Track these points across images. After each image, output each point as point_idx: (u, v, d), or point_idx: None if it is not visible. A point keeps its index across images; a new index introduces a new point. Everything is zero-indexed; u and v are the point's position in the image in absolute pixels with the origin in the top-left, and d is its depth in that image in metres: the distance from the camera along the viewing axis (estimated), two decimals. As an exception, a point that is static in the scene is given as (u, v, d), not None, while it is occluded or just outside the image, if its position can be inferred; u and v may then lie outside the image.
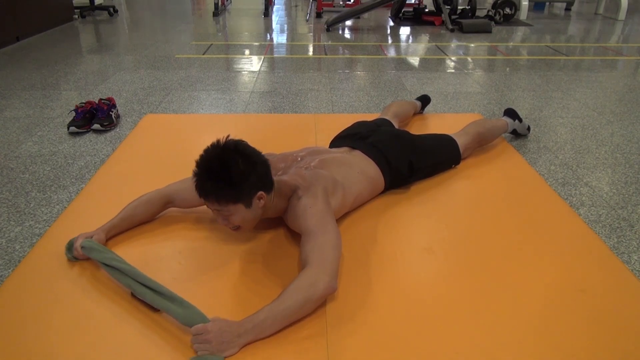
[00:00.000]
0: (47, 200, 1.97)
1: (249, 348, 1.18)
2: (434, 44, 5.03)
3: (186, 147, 2.29)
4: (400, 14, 6.29)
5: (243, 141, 1.41)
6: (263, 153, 1.46)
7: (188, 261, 1.50)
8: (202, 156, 1.36)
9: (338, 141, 1.98)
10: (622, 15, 6.35)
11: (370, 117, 2.29)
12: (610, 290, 1.39)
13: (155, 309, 1.29)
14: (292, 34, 5.62)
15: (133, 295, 1.34)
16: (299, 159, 1.69)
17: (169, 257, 1.52)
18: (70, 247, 1.49)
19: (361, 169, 1.74)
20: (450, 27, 5.66)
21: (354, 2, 6.88)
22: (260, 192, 1.40)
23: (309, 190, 1.49)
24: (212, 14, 6.61)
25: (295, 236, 1.60)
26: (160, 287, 1.29)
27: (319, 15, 6.61)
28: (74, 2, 6.06)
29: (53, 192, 2.03)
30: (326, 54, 4.58)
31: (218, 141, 1.37)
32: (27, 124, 2.75)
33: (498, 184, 1.99)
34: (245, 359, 1.16)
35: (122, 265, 1.37)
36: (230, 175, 1.33)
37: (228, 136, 1.39)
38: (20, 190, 2.04)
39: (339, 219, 1.67)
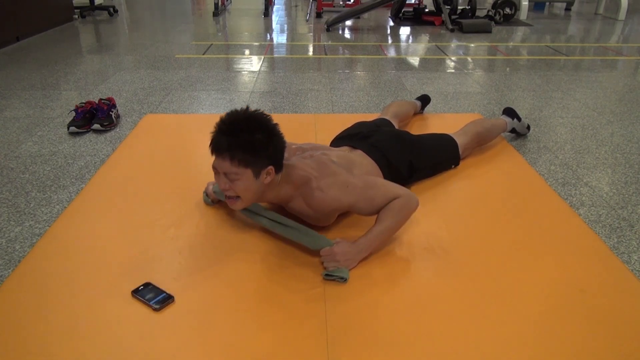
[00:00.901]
0: (47, 200, 1.97)
1: (250, 346, 1.19)
2: (434, 44, 5.03)
3: (186, 147, 2.29)
4: (400, 14, 6.29)
5: (269, 116, 1.46)
6: None
7: (188, 261, 1.50)
8: (228, 114, 1.42)
9: (338, 141, 1.98)
10: (622, 15, 6.35)
11: (370, 117, 2.29)
12: (610, 290, 1.39)
13: (158, 308, 1.29)
14: (292, 34, 5.62)
15: (133, 294, 1.34)
16: (301, 151, 1.70)
17: (169, 257, 1.52)
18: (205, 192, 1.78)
19: (362, 168, 1.74)
20: (450, 27, 5.66)
21: (354, 2, 6.88)
22: (270, 167, 1.43)
23: (324, 177, 1.51)
24: (212, 14, 6.61)
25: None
26: (288, 221, 1.54)
27: (319, 15, 6.61)
28: (74, 2, 6.05)
29: (53, 192, 2.03)
30: (326, 54, 4.58)
31: (247, 107, 1.44)
32: (27, 124, 2.75)
33: (498, 184, 1.99)
34: (247, 358, 1.16)
35: (255, 209, 1.60)
36: (253, 138, 1.38)
37: (258, 109, 1.45)
38: (20, 190, 2.04)
39: (339, 219, 1.67)
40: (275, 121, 1.46)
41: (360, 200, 1.51)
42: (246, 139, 1.37)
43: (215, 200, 1.77)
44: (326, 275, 1.41)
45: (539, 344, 1.21)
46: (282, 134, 1.48)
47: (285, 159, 1.56)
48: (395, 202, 1.49)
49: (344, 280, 1.39)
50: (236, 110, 1.43)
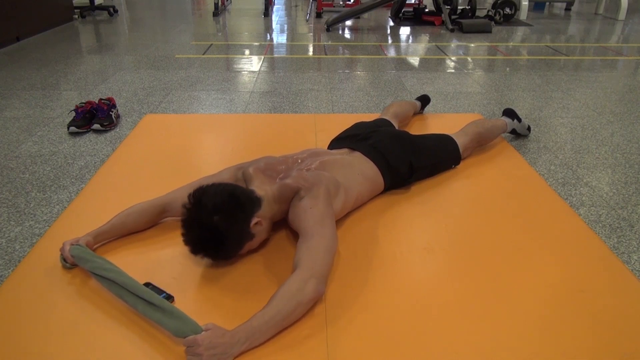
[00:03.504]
0: (47, 200, 1.97)
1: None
2: (434, 44, 5.03)
3: (186, 147, 2.29)
4: (400, 14, 6.29)
5: (212, 186, 1.38)
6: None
7: (188, 261, 1.50)
8: (183, 233, 1.36)
9: (338, 142, 1.98)
10: (622, 15, 6.35)
11: (370, 117, 2.29)
12: (610, 290, 1.39)
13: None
14: (292, 34, 5.62)
15: (132, 295, 1.32)
16: (300, 161, 1.69)
17: (169, 257, 1.52)
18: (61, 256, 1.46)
19: (361, 170, 1.74)
20: (450, 27, 5.66)
21: (354, 2, 6.88)
22: (255, 220, 1.40)
23: (310, 190, 1.49)
24: (212, 14, 6.61)
25: (296, 238, 1.60)
26: (151, 296, 1.25)
27: (319, 15, 6.61)
28: (74, 2, 6.06)
29: (53, 192, 2.03)
30: (326, 54, 4.58)
31: (191, 203, 1.35)
32: (27, 124, 2.75)
33: (498, 184, 1.99)
34: (245, 358, 1.16)
35: (112, 275, 1.32)
36: (217, 233, 1.33)
37: (202, 187, 1.37)
38: (20, 190, 2.04)
39: (339, 220, 1.67)
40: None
41: (303, 232, 1.39)
42: (212, 237, 1.33)
43: (74, 264, 1.44)
44: None
45: (539, 344, 1.21)
46: (230, 184, 1.43)
47: (282, 171, 1.57)
48: (296, 280, 1.25)
49: None
50: (185, 207, 1.35)
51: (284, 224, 1.64)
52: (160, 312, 1.21)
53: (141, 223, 1.61)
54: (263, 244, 1.57)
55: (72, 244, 1.43)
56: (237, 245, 1.40)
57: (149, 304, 1.24)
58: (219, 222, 1.33)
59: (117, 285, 1.31)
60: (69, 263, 1.43)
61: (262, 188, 1.51)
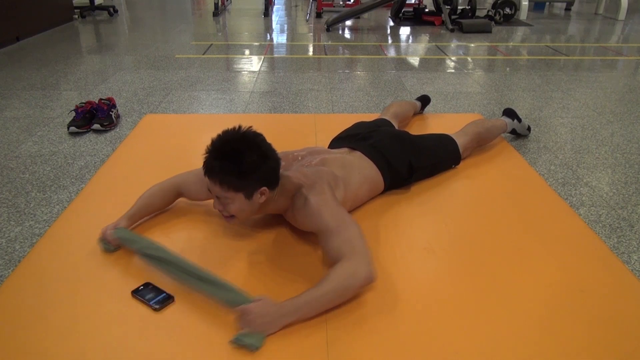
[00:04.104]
0: (47, 200, 1.97)
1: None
2: (434, 44, 5.03)
3: (186, 147, 2.29)
4: (400, 14, 6.29)
5: (261, 135, 1.42)
6: None
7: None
8: (219, 136, 1.38)
9: (337, 142, 1.98)
10: (622, 15, 6.35)
11: (370, 117, 2.29)
12: (610, 290, 1.39)
13: (158, 308, 1.29)
14: (292, 34, 5.62)
15: (133, 294, 1.34)
16: (300, 158, 1.69)
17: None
18: (103, 240, 1.53)
19: (361, 170, 1.74)
20: (450, 27, 5.66)
21: (354, 2, 6.88)
22: (264, 188, 1.40)
23: (313, 188, 1.48)
24: (212, 14, 6.61)
25: (297, 235, 1.60)
26: (201, 272, 1.34)
27: (319, 15, 6.61)
28: (74, 2, 6.06)
29: (53, 192, 2.03)
30: (326, 54, 4.58)
31: (239, 127, 1.39)
32: (27, 124, 2.75)
33: (498, 184, 1.99)
34: (246, 358, 1.16)
35: (161, 254, 1.42)
36: (241, 162, 1.34)
37: (250, 127, 1.41)
38: (20, 190, 2.04)
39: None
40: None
41: (326, 229, 1.39)
42: (236, 163, 1.34)
43: (117, 247, 1.51)
44: (235, 339, 1.18)
45: (539, 344, 1.21)
46: (275, 152, 1.44)
47: (282, 167, 1.57)
48: (348, 266, 1.29)
49: (254, 348, 1.17)
50: (228, 131, 1.38)
51: (283, 222, 1.64)
52: (213, 286, 1.31)
53: (164, 202, 1.70)
54: (262, 243, 1.57)
55: (114, 228, 1.51)
56: (244, 176, 1.36)
57: (200, 279, 1.33)
58: (247, 152, 1.35)
59: (167, 263, 1.39)
60: (113, 246, 1.51)
61: None
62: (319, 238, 1.42)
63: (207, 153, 1.37)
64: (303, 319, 1.24)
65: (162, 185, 1.69)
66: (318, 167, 1.61)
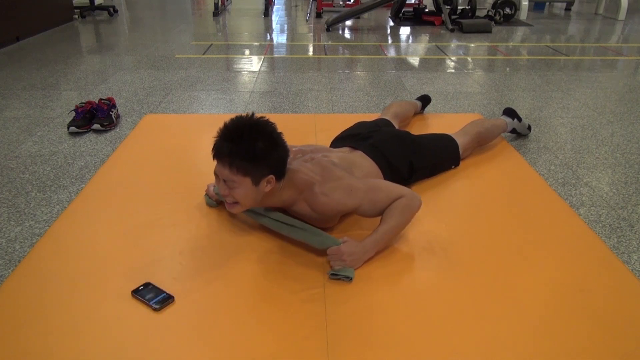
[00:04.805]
0: (47, 200, 1.97)
1: (250, 347, 1.19)
2: (434, 44, 5.03)
3: (186, 147, 2.29)
4: (400, 14, 6.29)
5: (274, 123, 1.44)
6: None
7: (188, 261, 1.50)
8: (232, 120, 1.40)
9: (338, 142, 1.98)
10: (622, 15, 6.35)
11: (370, 117, 2.29)
12: (610, 290, 1.39)
13: (158, 308, 1.29)
14: (292, 34, 5.62)
15: (133, 294, 1.34)
16: (301, 154, 1.69)
17: (170, 258, 1.52)
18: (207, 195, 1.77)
19: (362, 169, 1.74)
20: (450, 27, 5.66)
21: (354, 2, 6.88)
22: (271, 176, 1.42)
23: (327, 181, 1.50)
24: (212, 14, 6.61)
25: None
26: (293, 221, 1.53)
27: (319, 15, 6.61)
28: (74, 2, 6.06)
29: (53, 192, 2.03)
30: (326, 54, 4.58)
31: (252, 113, 1.42)
32: (27, 124, 2.75)
33: (498, 184, 1.99)
34: (247, 358, 1.16)
35: (257, 210, 1.58)
36: (253, 146, 1.36)
37: (263, 116, 1.43)
38: (20, 190, 2.04)
39: (339, 219, 1.67)
40: (278, 126, 1.44)
41: (364, 203, 1.50)
42: (247, 147, 1.36)
43: (218, 201, 1.75)
44: (332, 274, 1.41)
45: (539, 344, 1.21)
46: (285, 142, 1.46)
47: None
48: (399, 202, 1.49)
49: (349, 279, 1.40)
50: (241, 117, 1.41)
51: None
52: (305, 232, 1.50)
53: None
54: (261, 243, 1.57)
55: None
56: (253, 160, 1.37)
57: (292, 226, 1.52)
58: (259, 138, 1.38)
59: (263, 216, 1.57)
60: (215, 201, 1.76)
61: None
62: (359, 212, 1.55)
63: (217, 136, 1.39)
64: (379, 251, 1.49)
65: None
66: (319, 160, 1.61)
